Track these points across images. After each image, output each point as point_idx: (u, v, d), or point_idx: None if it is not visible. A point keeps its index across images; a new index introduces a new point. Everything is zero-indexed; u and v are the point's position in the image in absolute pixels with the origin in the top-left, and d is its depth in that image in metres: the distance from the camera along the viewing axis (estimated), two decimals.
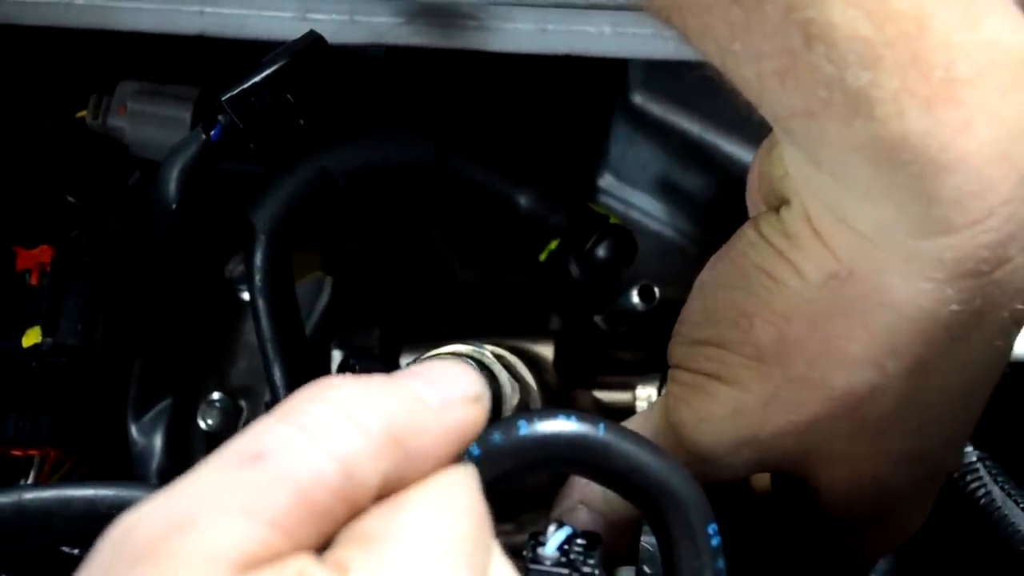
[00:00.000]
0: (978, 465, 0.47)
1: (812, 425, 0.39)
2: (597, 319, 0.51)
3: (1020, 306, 0.37)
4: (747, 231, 0.40)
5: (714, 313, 0.41)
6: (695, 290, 0.42)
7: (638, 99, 0.60)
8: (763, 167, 0.40)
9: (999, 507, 0.48)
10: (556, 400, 0.48)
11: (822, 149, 0.35)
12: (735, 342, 0.40)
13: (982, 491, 0.48)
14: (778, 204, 0.39)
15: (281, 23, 0.52)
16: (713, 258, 0.42)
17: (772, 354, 0.39)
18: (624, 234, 0.50)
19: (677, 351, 0.42)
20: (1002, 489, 0.48)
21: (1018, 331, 0.38)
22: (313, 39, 0.47)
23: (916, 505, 0.43)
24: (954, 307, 0.36)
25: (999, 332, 0.37)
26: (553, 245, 0.51)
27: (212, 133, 0.46)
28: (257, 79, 0.46)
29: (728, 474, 0.42)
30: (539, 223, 0.50)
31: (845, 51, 0.32)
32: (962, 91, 0.32)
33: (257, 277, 0.48)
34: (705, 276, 0.42)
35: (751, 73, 0.34)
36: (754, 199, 0.42)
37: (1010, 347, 0.39)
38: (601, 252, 0.49)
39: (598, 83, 0.60)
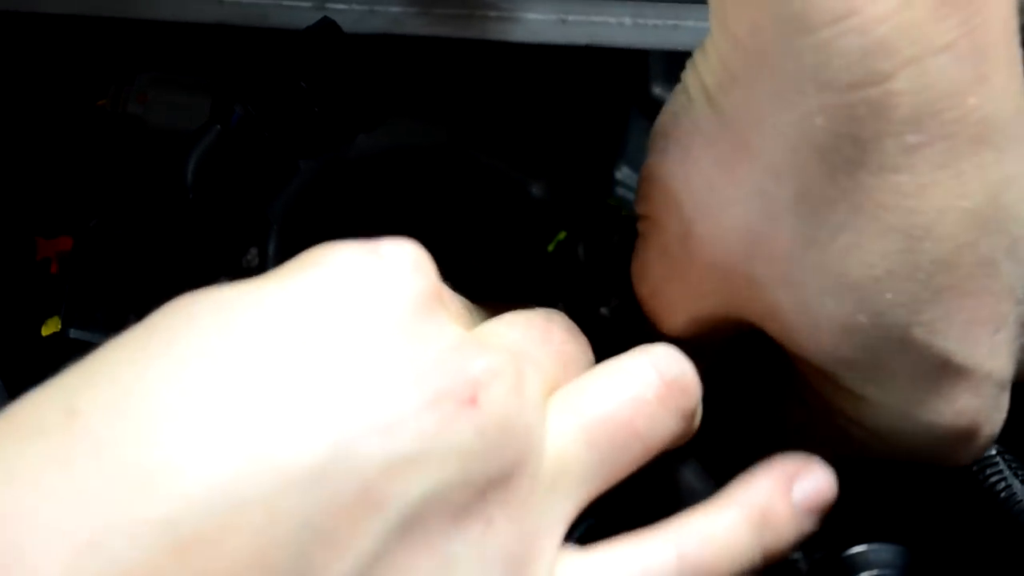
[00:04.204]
0: (997, 458, 0.47)
1: (727, 262, 0.38)
2: (603, 310, 0.51)
3: (913, 138, 0.33)
4: None
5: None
6: None
7: (657, 91, 0.60)
8: None
9: (1020, 500, 0.47)
10: None
11: None
12: (655, 176, 0.39)
13: (1002, 484, 0.48)
14: None
15: (300, 13, 0.52)
16: None
17: (680, 183, 0.38)
18: (635, 226, 0.50)
19: None
20: (1023, 482, 0.48)
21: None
22: (324, 24, 0.47)
23: (886, 382, 0.39)
24: (818, 121, 0.33)
25: (892, 169, 0.34)
26: (562, 235, 0.51)
27: (227, 122, 0.46)
28: (269, 67, 0.46)
29: (692, 331, 0.41)
30: (549, 212, 0.50)
31: None
32: None
33: (271, 268, 0.48)
34: None
35: None
36: None
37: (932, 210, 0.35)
38: (611, 244, 0.50)
39: (617, 74, 0.60)
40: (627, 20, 0.53)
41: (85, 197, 0.55)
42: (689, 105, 0.37)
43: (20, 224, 0.55)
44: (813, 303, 0.37)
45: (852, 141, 0.34)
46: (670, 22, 0.53)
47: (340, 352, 0.31)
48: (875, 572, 0.43)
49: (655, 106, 0.60)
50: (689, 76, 0.38)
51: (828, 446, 0.42)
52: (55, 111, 0.57)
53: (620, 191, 0.63)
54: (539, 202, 0.50)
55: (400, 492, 0.30)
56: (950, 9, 0.33)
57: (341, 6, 0.52)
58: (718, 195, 0.37)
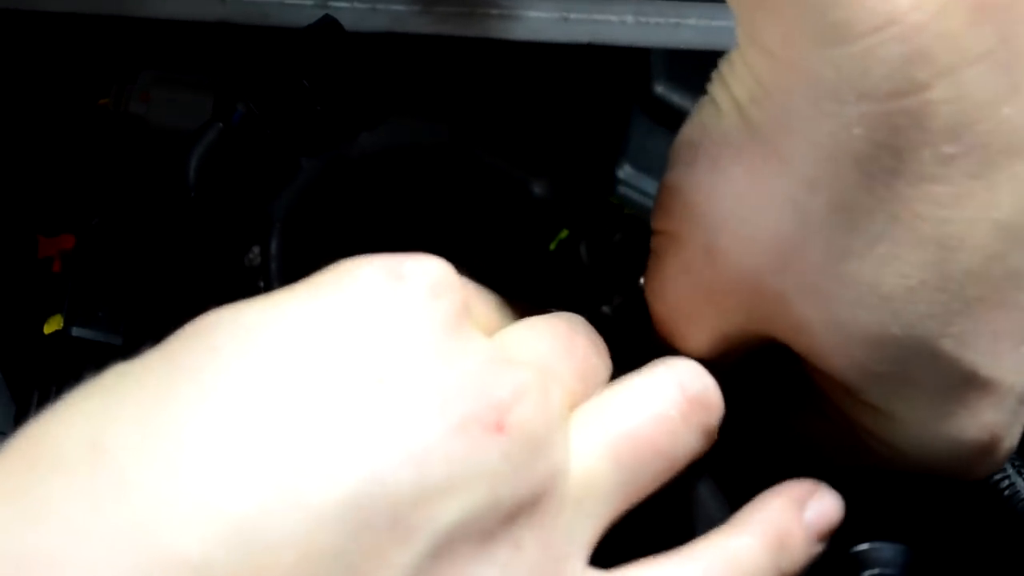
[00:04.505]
0: None
1: (756, 276, 0.37)
2: (605, 309, 0.51)
3: (949, 148, 0.33)
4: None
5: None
6: None
7: (660, 89, 0.60)
8: None
9: None
10: None
11: None
12: (679, 189, 0.38)
13: (1006, 483, 0.47)
14: None
15: (302, 11, 0.52)
16: None
17: (705, 196, 0.37)
18: (638, 225, 0.50)
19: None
20: None
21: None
22: (326, 23, 0.47)
23: (905, 399, 0.38)
24: (857, 131, 0.33)
25: (928, 179, 0.34)
26: (564, 234, 0.51)
27: (229, 120, 0.46)
28: (271, 65, 0.46)
29: (712, 348, 0.41)
30: (551, 210, 0.50)
31: None
32: None
33: (273, 266, 0.48)
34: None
35: None
36: None
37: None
38: (613, 243, 0.49)
39: (619, 73, 0.60)
40: (629, 18, 0.53)
41: (87, 195, 0.55)
42: (718, 117, 0.37)
43: (22, 222, 0.55)
44: (845, 316, 0.36)
45: (890, 151, 0.34)
46: (672, 20, 0.53)
47: (364, 379, 0.30)
48: (877, 571, 0.43)
49: (657, 104, 0.60)
50: (716, 88, 0.37)
51: (846, 459, 0.41)
52: (57, 110, 0.57)
53: (622, 189, 0.63)
54: (541, 200, 0.50)
55: (429, 521, 0.29)
56: (985, 19, 0.33)
57: (343, 4, 0.52)
58: (747, 207, 0.36)
